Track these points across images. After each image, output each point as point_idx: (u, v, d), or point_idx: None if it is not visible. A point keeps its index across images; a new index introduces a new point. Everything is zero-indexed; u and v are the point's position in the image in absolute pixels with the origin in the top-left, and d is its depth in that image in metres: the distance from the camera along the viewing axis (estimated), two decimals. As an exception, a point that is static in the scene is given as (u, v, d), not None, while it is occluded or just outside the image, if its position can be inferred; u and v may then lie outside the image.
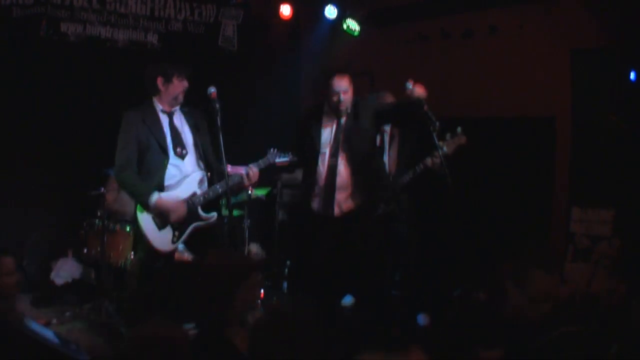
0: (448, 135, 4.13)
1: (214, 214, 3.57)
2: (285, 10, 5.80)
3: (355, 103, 3.88)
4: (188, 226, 3.52)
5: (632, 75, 4.26)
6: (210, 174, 3.61)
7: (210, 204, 3.57)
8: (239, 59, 5.76)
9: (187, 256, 4.30)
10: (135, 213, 3.51)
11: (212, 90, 3.46)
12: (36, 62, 4.83)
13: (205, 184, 3.60)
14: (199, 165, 3.59)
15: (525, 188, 4.71)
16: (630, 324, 2.19)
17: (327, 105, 3.92)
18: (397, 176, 4.44)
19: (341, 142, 3.85)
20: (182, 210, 3.44)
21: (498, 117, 4.89)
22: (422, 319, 4.62)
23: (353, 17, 5.63)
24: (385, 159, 4.56)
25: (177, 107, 3.60)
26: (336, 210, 3.87)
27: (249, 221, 4.96)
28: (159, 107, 3.54)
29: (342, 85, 3.76)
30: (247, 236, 4.96)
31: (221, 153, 3.41)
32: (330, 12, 5.61)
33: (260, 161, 3.70)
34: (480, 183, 4.77)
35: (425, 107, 3.49)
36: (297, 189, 5.50)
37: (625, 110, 4.30)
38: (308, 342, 1.81)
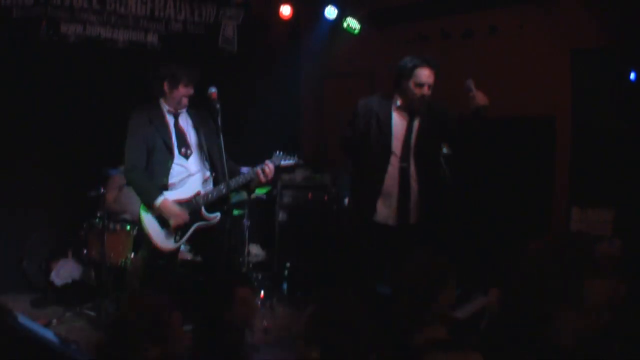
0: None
1: (217, 215, 3.58)
2: (285, 10, 5.81)
3: (429, 105, 3.56)
4: (191, 226, 3.53)
5: (632, 75, 4.27)
6: (215, 175, 3.62)
7: (214, 204, 3.58)
8: (239, 59, 5.76)
9: (188, 255, 4.32)
10: (139, 212, 3.51)
11: (213, 90, 3.48)
12: (36, 62, 4.83)
13: (210, 184, 3.61)
14: (204, 165, 3.60)
15: (525, 188, 4.71)
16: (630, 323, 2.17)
17: (400, 99, 3.54)
18: None
19: (413, 145, 3.53)
20: (183, 218, 3.45)
21: (498, 117, 4.89)
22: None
23: (353, 16, 5.64)
24: None
25: (183, 110, 3.61)
26: (403, 220, 3.55)
27: (249, 221, 4.97)
28: (165, 107, 3.56)
29: (429, 78, 3.43)
30: (247, 236, 4.97)
31: (222, 152, 3.42)
32: (331, 12, 5.61)
33: (267, 162, 3.67)
34: (480, 183, 4.77)
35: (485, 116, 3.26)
36: (297, 189, 5.53)
37: (625, 110, 4.30)
38: (361, 327, 1.82)
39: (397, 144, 3.53)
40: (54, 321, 4.11)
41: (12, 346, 2.14)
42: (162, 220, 3.46)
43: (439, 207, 3.74)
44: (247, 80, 5.82)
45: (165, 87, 3.51)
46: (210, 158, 3.61)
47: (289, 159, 3.75)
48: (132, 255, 4.35)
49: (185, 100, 3.55)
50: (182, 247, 3.68)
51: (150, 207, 3.42)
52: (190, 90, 3.53)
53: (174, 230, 3.48)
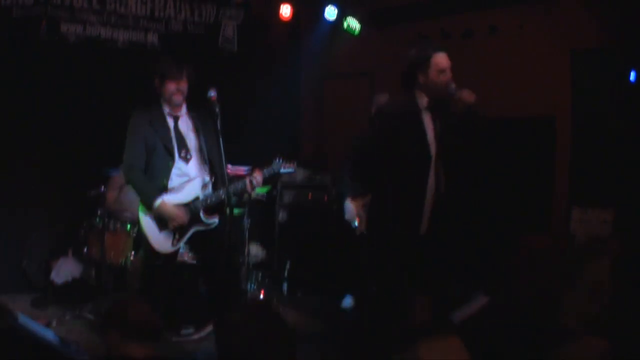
0: None
1: (215, 220, 3.56)
2: (286, 10, 5.80)
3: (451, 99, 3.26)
4: (189, 230, 3.51)
5: (632, 75, 4.27)
6: (215, 179, 3.60)
7: (212, 208, 3.56)
8: (239, 59, 5.76)
9: (187, 257, 4.31)
10: (138, 213, 3.51)
11: (212, 93, 3.42)
12: (36, 62, 4.83)
13: (209, 188, 3.59)
14: (203, 170, 3.58)
15: (525, 188, 4.71)
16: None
17: (425, 97, 3.23)
18: None
19: (441, 147, 3.24)
20: (182, 219, 3.43)
21: (498, 117, 4.89)
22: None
23: (353, 17, 5.64)
24: None
25: (183, 111, 3.57)
26: (433, 229, 3.27)
27: (249, 221, 4.97)
28: (165, 109, 3.52)
29: (448, 62, 3.17)
30: (247, 236, 4.97)
31: (221, 156, 3.40)
32: (331, 13, 5.61)
33: (265, 170, 3.62)
34: (480, 183, 4.76)
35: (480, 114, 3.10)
36: (297, 189, 5.53)
37: (625, 110, 4.30)
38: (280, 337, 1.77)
39: (433, 151, 3.24)
40: (54, 322, 4.10)
41: (12, 346, 2.15)
42: (161, 222, 3.45)
43: (462, 212, 3.60)
44: (247, 81, 5.81)
45: (157, 84, 3.46)
46: (210, 162, 3.58)
47: (289, 167, 3.70)
48: (132, 255, 4.35)
49: (176, 98, 3.44)
50: (181, 249, 3.67)
51: (149, 208, 3.41)
52: (181, 85, 3.42)
53: (173, 232, 3.47)
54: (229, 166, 3.52)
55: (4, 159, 4.76)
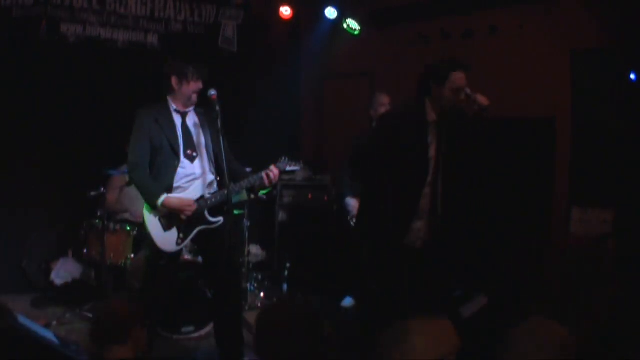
0: None
1: (220, 218, 3.55)
2: (286, 10, 5.81)
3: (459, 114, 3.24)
4: (194, 229, 3.50)
5: (632, 76, 4.27)
6: (220, 178, 3.60)
7: (217, 207, 3.56)
8: (239, 59, 5.77)
9: (189, 257, 4.31)
10: (142, 212, 3.50)
11: (213, 92, 3.43)
12: (36, 62, 4.83)
13: (215, 187, 3.58)
14: (208, 168, 3.57)
15: (525, 188, 4.71)
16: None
17: (433, 112, 3.21)
18: None
19: (443, 164, 3.23)
20: (192, 207, 3.42)
21: (498, 118, 4.89)
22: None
23: (353, 17, 5.64)
24: None
25: (192, 108, 3.58)
26: (430, 241, 3.30)
27: (249, 222, 4.97)
28: (172, 107, 3.50)
29: (465, 82, 3.15)
30: (247, 236, 4.97)
31: (222, 155, 3.40)
32: (331, 13, 5.61)
33: (279, 164, 3.65)
34: (480, 183, 4.76)
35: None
36: (297, 190, 5.53)
37: (625, 110, 4.30)
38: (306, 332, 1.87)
39: (431, 168, 3.24)
40: (54, 322, 4.10)
41: (12, 346, 2.14)
42: (166, 221, 3.44)
43: (462, 224, 3.57)
44: (247, 81, 5.82)
45: (174, 83, 3.46)
46: (215, 160, 3.58)
47: (294, 165, 3.74)
48: (132, 255, 4.35)
49: (195, 97, 3.48)
50: (183, 248, 3.66)
51: (154, 207, 3.40)
52: (200, 85, 3.46)
53: (177, 232, 3.47)
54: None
55: (4, 159, 4.77)
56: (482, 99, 3.14)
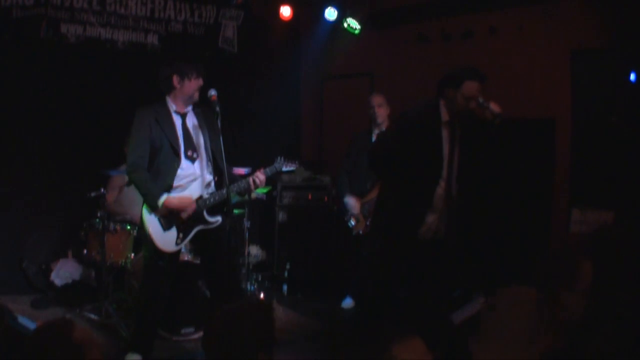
0: None
1: (219, 218, 3.56)
2: (285, 11, 5.81)
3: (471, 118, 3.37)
4: (193, 229, 3.51)
5: (632, 76, 4.26)
6: (218, 178, 3.60)
7: (215, 207, 3.56)
8: (239, 60, 5.77)
9: (188, 257, 4.31)
10: (141, 213, 3.50)
11: (213, 93, 3.44)
12: (36, 63, 4.84)
13: (212, 187, 3.59)
14: (207, 169, 3.58)
15: (525, 189, 4.71)
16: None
17: (446, 113, 3.37)
18: None
19: (457, 165, 3.41)
20: (192, 206, 3.44)
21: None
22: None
23: (353, 18, 5.64)
24: None
25: (190, 108, 3.58)
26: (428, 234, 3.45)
27: (249, 222, 4.97)
28: (172, 107, 3.51)
29: (478, 92, 3.27)
30: (247, 237, 4.97)
31: (222, 156, 3.40)
32: (330, 13, 5.61)
33: (268, 169, 3.65)
34: (480, 184, 4.76)
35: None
36: (296, 190, 5.53)
37: (625, 111, 4.30)
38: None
39: (445, 164, 3.40)
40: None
41: (12, 346, 2.15)
42: (166, 221, 3.44)
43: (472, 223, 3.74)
44: (247, 81, 5.82)
45: (176, 82, 3.47)
46: (213, 160, 3.59)
47: (291, 165, 3.76)
48: (132, 255, 4.35)
49: (196, 95, 3.51)
50: (183, 248, 3.66)
51: (154, 208, 3.40)
52: (201, 82, 3.50)
53: (177, 231, 3.47)
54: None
55: (4, 159, 4.76)
56: (495, 107, 3.24)
